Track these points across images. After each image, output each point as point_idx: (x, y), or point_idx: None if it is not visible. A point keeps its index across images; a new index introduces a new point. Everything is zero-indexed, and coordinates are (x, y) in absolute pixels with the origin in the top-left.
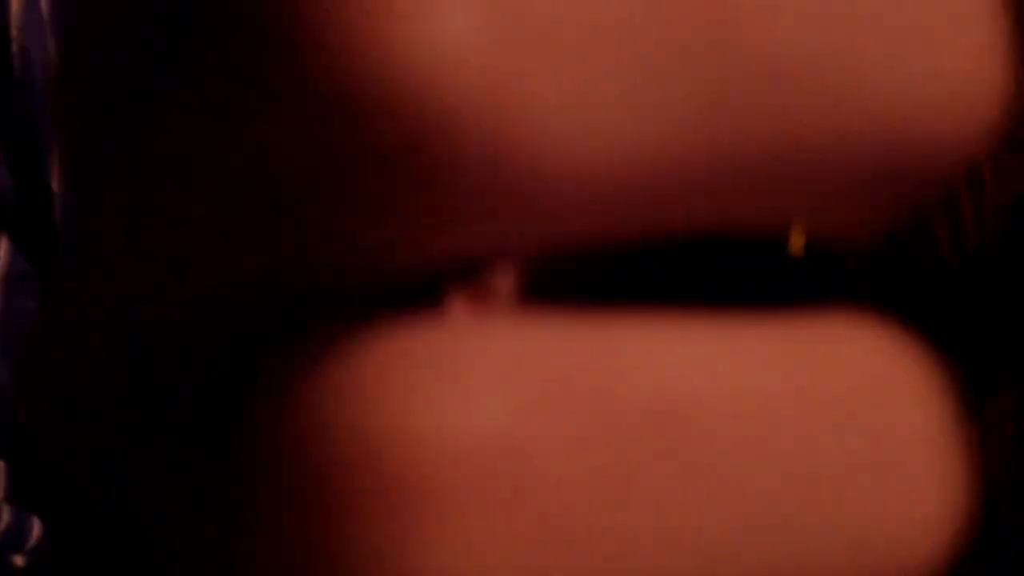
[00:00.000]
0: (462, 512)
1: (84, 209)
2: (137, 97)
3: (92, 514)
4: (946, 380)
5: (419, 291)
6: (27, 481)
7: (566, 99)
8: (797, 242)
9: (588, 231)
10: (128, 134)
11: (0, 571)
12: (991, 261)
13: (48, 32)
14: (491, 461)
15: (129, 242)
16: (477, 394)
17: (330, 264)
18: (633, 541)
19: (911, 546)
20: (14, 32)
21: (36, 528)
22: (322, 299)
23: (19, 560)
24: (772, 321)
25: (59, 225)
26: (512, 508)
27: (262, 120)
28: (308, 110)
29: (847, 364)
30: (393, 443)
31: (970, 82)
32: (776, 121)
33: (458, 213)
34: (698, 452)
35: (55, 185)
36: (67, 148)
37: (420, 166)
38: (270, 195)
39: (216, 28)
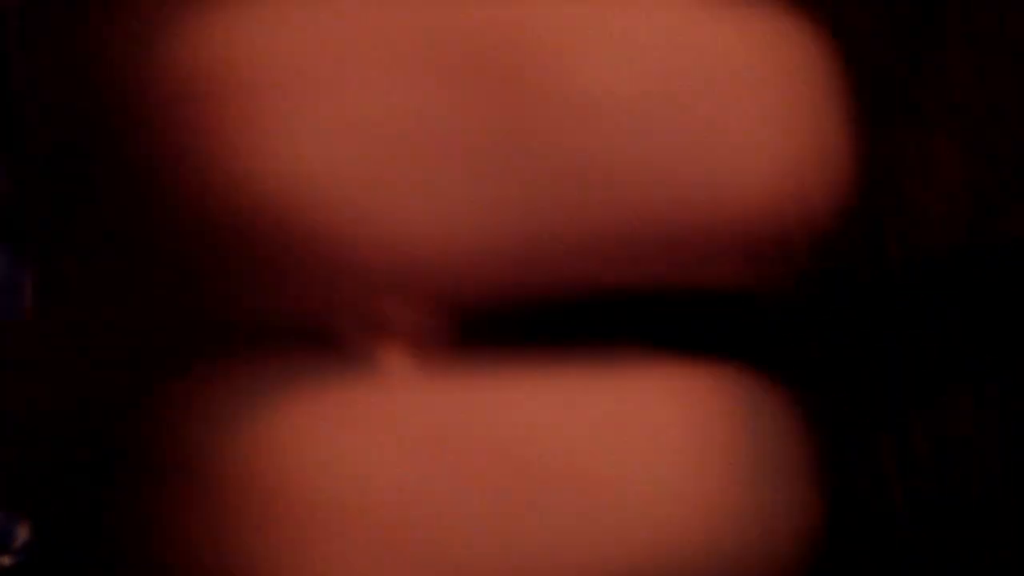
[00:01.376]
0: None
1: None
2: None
3: (71, 516)
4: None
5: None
6: (14, 482)
7: (407, 202)
8: None
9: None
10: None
11: None
12: (937, 263)
13: None
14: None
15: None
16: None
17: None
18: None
19: None
20: None
21: (24, 529)
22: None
23: (7, 560)
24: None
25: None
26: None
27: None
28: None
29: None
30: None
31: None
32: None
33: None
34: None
35: None
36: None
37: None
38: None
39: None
